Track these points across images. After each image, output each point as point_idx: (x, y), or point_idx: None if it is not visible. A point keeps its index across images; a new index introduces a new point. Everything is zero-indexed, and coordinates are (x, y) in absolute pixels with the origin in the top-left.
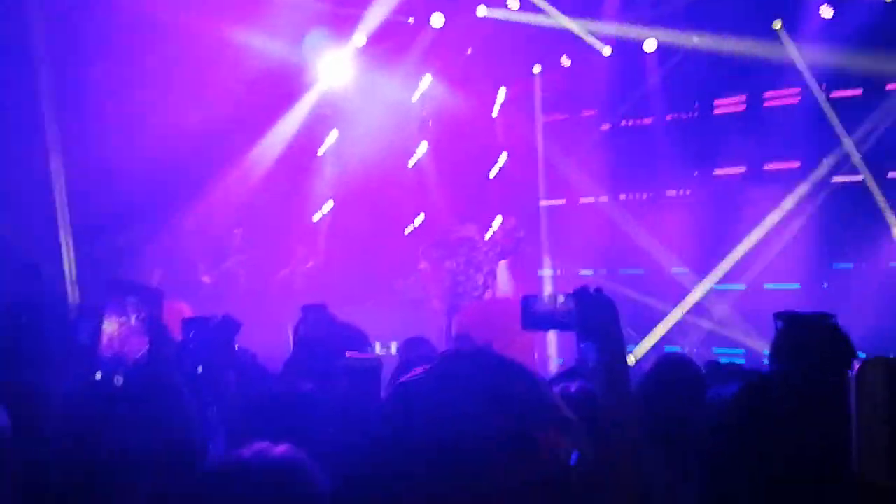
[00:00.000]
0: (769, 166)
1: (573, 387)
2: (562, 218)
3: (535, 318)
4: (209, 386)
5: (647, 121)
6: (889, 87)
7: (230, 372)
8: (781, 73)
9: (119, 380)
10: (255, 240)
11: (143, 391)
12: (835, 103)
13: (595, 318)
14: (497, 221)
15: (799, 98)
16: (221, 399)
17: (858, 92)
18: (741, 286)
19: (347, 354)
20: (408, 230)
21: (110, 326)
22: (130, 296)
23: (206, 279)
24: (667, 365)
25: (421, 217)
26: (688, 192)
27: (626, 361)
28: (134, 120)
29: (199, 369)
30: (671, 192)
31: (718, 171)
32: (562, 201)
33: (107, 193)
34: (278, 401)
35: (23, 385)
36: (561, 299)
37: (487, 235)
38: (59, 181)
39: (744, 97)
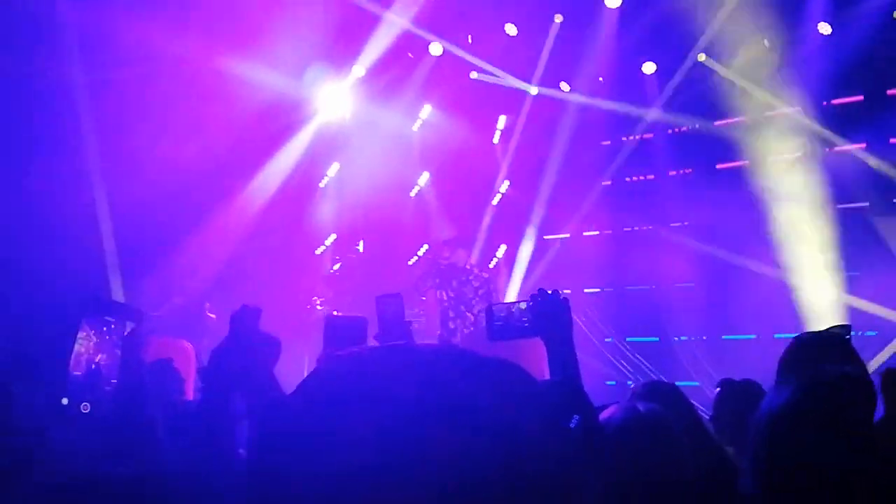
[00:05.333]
0: None
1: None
2: (565, 249)
3: (495, 327)
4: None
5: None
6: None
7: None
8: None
9: (85, 407)
10: (258, 273)
11: (113, 422)
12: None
13: (547, 312)
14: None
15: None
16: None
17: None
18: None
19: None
20: (411, 261)
21: (82, 344)
22: (110, 314)
23: (211, 316)
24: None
25: (424, 248)
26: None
27: (574, 354)
28: (134, 154)
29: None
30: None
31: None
32: (566, 235)
33: (107, 227)
34: None
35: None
36: (522, 306)
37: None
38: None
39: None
